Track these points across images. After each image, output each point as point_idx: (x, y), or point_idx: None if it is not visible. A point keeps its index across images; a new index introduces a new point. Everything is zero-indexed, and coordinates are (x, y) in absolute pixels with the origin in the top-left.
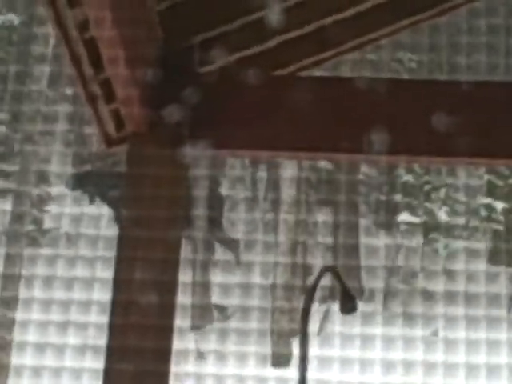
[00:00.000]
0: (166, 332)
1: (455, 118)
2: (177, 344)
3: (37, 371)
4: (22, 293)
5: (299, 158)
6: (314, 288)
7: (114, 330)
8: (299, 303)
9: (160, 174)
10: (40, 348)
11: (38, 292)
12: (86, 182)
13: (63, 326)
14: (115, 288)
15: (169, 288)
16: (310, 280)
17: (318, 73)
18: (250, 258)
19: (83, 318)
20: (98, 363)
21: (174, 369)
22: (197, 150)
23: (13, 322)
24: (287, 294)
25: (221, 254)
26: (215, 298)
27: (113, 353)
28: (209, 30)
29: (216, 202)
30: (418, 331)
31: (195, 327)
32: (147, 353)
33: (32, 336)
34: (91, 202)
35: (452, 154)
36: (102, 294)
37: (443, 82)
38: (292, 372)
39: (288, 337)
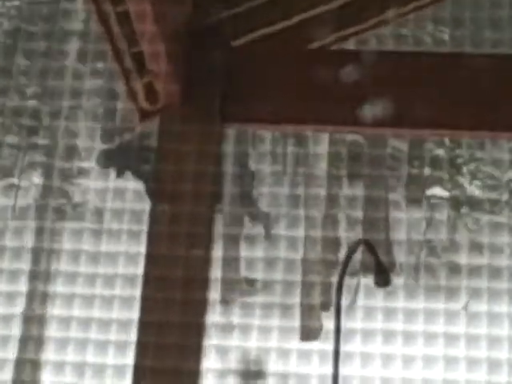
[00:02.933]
0: (199, 306)
1: (488, 91)
2: (207, 318)
3: (63, 342)
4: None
5: (330, 131)
6: (347, 260)
7: (145, 304)
8: (329, 277)
9: (191, 148)
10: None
11: (66, 266)
12: (115, 157)
13: (90, 300)
14: (147, 262)
15: (201, 263)
16: (341, 254)
17: (349, 46)
18: (280, 232)
19: (109, 292)
20: (126, 336)
21: (206, 342)
22: (228, 124)
23: (45, 295)
24: (317, 267)
25: (250, 228)
26: (244, 271)
27: (144, 327)
28: (242, 3)
29: (245, 177)
30: (448, 305)
31: (224, 301)
32: (179, 327)
33: (60, 310)
34: (119, 175)
35: (491, 128)
36: (131, 269)
37: (476, 56)
38: (321, 345)
39: (318, 310)
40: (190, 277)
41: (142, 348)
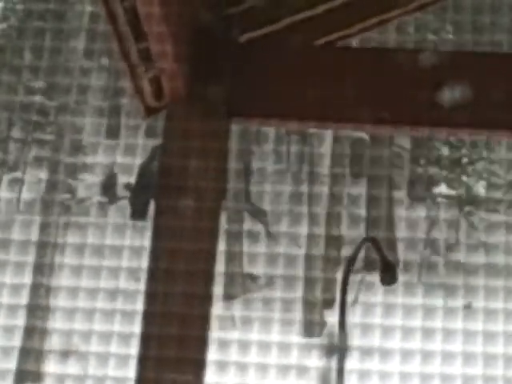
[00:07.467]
0: (204, 299)
1: (493, 91)
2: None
3: (68, 334)
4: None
5: (338, 128)
6: (353, 258)
7: (151, 296)
8: (333, 273)
9: (197, 143)
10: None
11: (70, 260)
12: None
13: (94, 292)
14: (152, 257)
15: (207, 256)
16: (345, 251)
17: (357, 41)
18: (284, 229)
19: (113, 284)
20: (130, 327)
21: (212, 334)
22: (236, 119)
23: (48, 288)
24: (321, 264)
25: (252, 224)
26: (248, 268)
27: (150, 319)
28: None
29: (245, 174)
30: (452, 303)
31: (228, 296)
32: (187, 319)
33: (64, 301)
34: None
35: (493, 127)
36: (133, 262)
37: (473, 54)
38: (324, 341)
39: (321, 307)
40: (198, 270)
41: (153, 338)
